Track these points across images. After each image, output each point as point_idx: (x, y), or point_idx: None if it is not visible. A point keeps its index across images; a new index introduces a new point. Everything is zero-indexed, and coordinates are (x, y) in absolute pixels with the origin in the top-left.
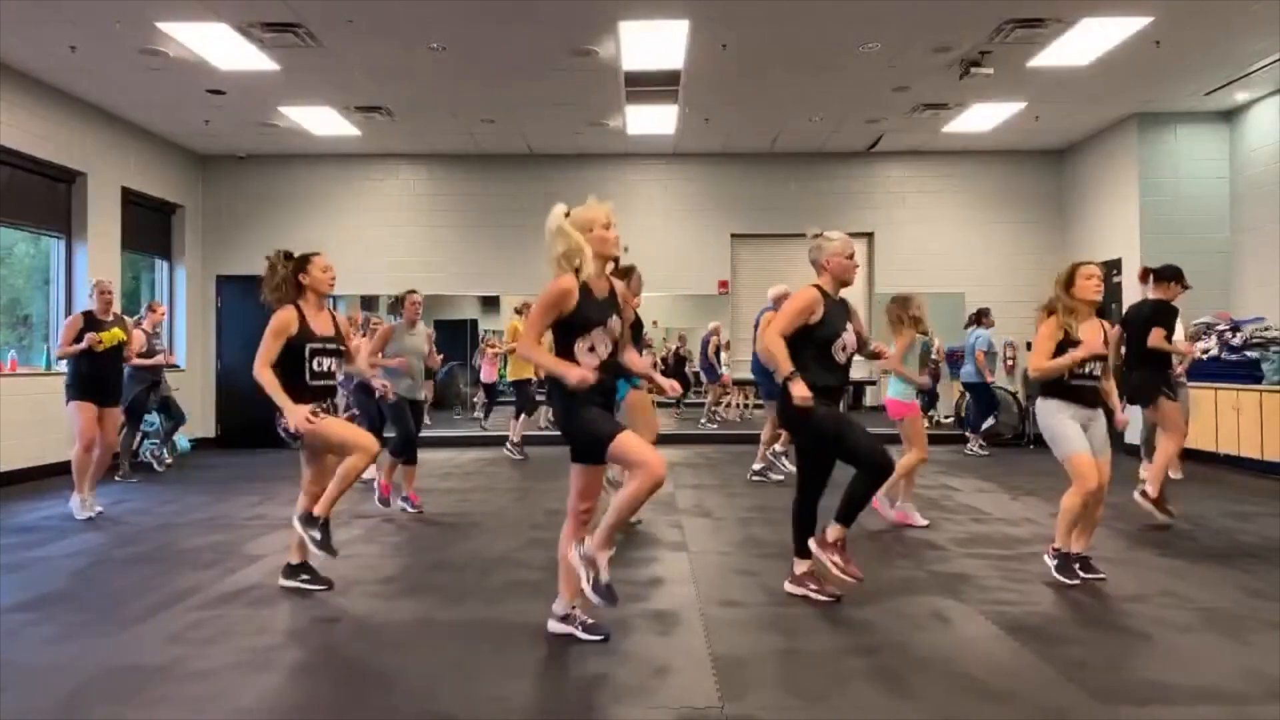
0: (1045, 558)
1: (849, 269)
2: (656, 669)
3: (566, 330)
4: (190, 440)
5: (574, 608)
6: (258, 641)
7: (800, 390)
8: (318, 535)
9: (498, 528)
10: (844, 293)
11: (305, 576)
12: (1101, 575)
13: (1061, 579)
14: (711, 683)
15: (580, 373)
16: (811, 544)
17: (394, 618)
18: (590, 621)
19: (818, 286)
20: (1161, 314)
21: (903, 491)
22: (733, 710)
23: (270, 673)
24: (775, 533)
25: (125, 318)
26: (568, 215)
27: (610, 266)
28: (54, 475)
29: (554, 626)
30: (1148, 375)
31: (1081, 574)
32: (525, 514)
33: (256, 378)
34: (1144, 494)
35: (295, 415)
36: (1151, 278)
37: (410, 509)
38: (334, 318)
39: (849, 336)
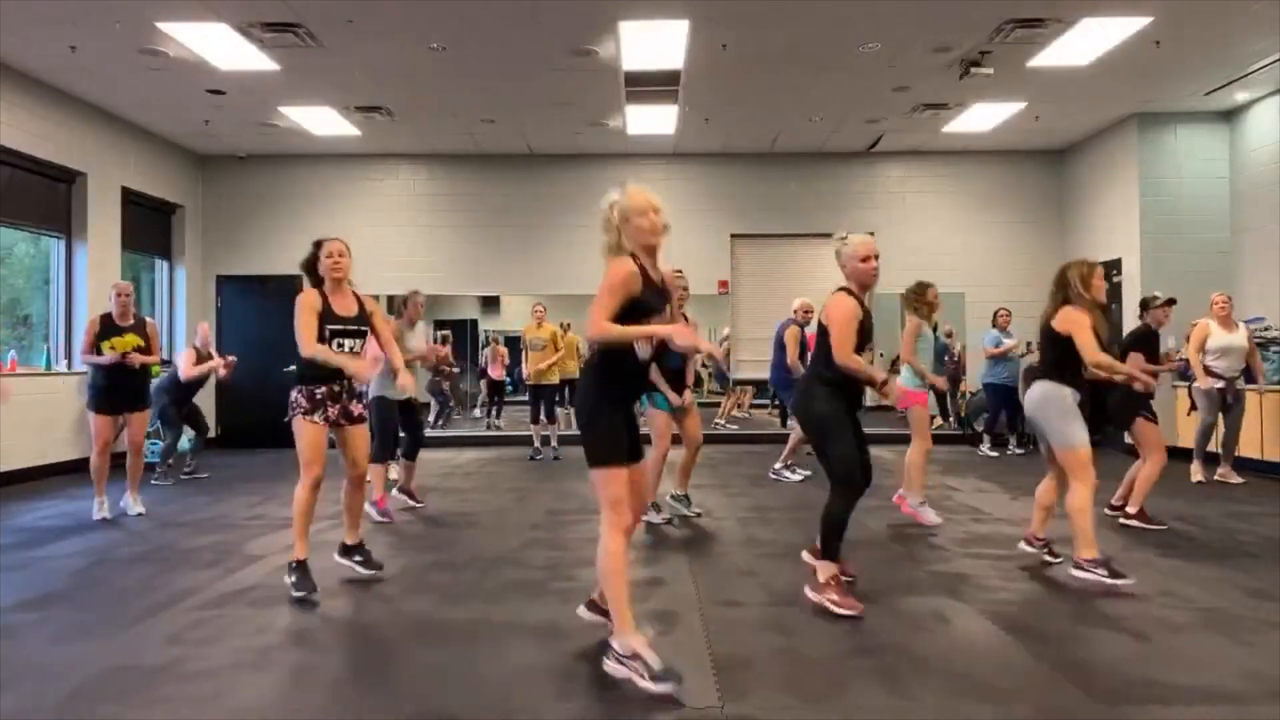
0: (1078, 573)
1: (865, 273)
2: None
3: (628, 317)
4: (191, 440)
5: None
6: (258, 641)
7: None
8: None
9: (498, 528)
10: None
11: (359, 558)
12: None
13: (1118, 584)
14: (711, 683)
15: (685, 331)
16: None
17: (394, 618)
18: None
19: (848, 291)
20: (1138, 339)
21: (915, 488)
22: (733, 710)
23: (270, 673)
24: (775, 533)
25: (145, 319)
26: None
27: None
28: (54, 475)
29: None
30: (1124, 397)
31: (1047, 558)
32: (525, 514)
33: (307, 355)
34: (1128, 515)
35: (358, 365)
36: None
37: (412, 502)
38: (359, 299)
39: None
